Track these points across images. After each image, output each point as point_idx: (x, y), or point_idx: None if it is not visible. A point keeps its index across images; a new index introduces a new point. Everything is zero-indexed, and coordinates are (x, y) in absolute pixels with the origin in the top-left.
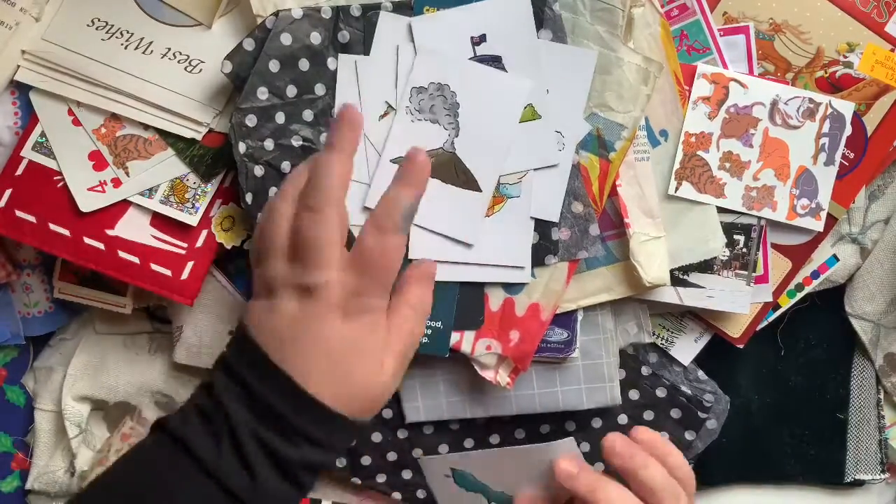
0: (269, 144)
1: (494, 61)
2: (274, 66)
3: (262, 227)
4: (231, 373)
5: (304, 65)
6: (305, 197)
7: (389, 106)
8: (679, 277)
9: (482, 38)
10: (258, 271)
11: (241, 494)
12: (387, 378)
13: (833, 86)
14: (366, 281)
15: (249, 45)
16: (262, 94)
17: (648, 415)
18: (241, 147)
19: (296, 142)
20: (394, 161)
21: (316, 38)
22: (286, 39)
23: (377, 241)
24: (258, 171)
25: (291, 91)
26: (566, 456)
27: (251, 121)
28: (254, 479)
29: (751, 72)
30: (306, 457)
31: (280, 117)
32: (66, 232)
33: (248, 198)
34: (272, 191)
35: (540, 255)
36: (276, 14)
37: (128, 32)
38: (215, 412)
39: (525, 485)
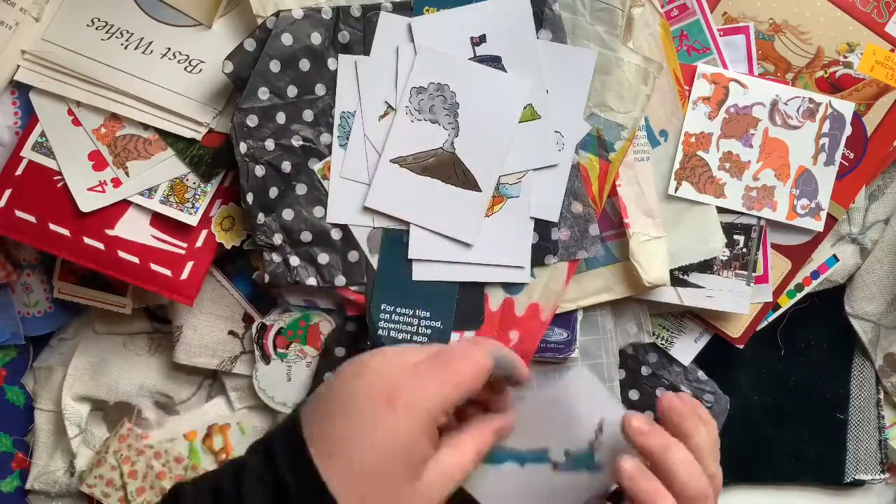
0: (269, 144)
1: (494, 61)
2: (275, 66)
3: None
4: (266, 455)
5: (304, 65)
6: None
7: (389, 106)
8: (679, 277)
9: (482, 39)
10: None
11: None
12: (421, 497)
13: (833, 86)
14: (432, 374)
15: (250, 45)
16: (264, 94)
17: (649, 415)
18: (243, 147)
19: (296, 142)
20: (393, 161)
21: (316, 38)
22: (287, 40)
23: (464, 346)
24: (259, 171)
25: (292, 91)
26: (635, 414)
27: (252, 121)
28: None
29: (751, 72)
30: None
31: (281, 117)
32: (65, 232)
33: (249, 198)
34: (273, 191)
35: (540, 255)
36: (276, 14)
37: (128, 32)
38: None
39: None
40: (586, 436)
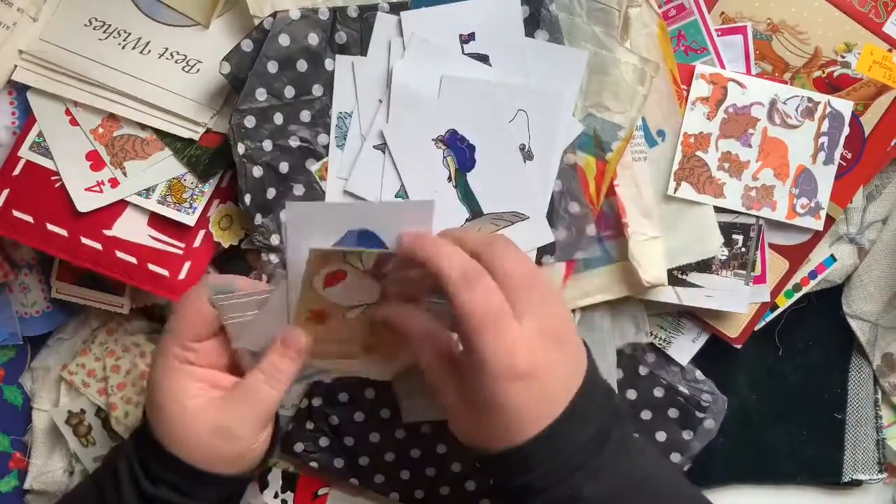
0: (267, 145)
1: (482, 60)
2: (272, 67)
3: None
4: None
5: (301, 66)
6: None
7: None
8: (678, 277)
9: (471, 37)
10: None
11: None
12: (236, 443)
13: (831, 86)
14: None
15: (248, 46)
16: (261, 95)
17: (646, 414)
18: (241, 148)
19: (293, 142)
20: (376, 147)
21: (314, 39)
22: (284, 40)
23: (189, 290)
24: (257, 171)
25: (289, 92)
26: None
27: (250, 122)
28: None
29: (748, 72)
30: (164, 497)
31: (278, 118)
32: (63, 232)
33: (247, 198)
34: (270, 191)
35: (537, 254)
36: (273, 15)
37: (125, 32)
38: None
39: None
40: None
